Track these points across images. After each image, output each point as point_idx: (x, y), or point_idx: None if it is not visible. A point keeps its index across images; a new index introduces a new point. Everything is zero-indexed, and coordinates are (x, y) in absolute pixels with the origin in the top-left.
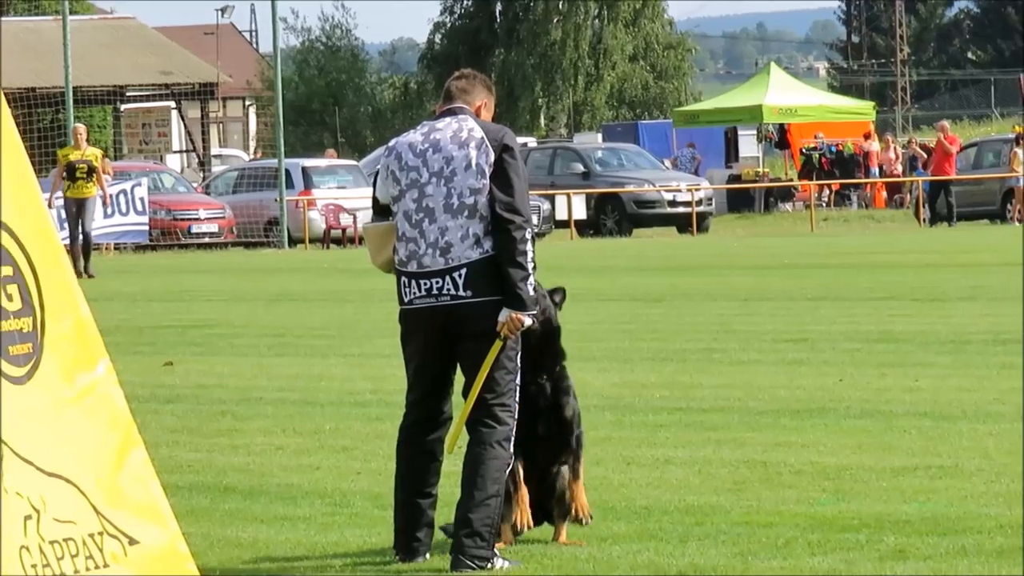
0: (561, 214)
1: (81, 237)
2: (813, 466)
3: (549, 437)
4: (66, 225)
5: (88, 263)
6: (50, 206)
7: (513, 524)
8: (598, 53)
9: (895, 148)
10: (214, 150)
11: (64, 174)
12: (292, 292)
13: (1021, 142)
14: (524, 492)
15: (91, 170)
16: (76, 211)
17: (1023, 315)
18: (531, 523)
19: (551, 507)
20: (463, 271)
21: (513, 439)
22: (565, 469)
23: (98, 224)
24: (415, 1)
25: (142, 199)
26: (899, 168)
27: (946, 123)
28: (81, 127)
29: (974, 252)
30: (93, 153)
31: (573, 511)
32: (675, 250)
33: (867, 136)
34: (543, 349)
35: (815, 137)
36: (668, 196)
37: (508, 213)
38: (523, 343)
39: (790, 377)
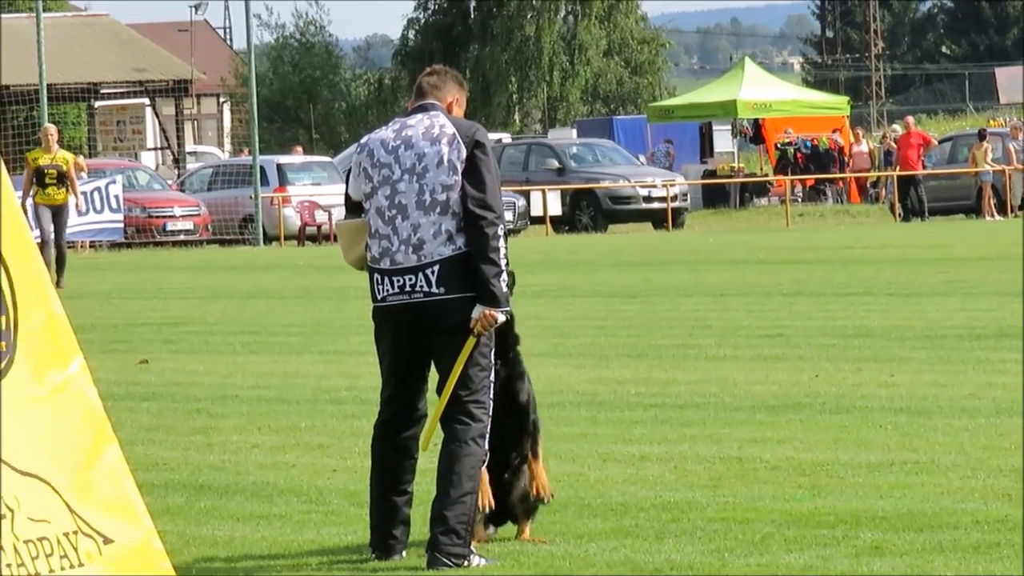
0: (536, 210)
1: (55, 250)
2: (789, 462)
3: (504, 422)
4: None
5: (61, 277)
6: (23, 211)
7: (480, 508)
8: (572, 48)
9: (867, 142)
10: (189, 147)
11: (33, 179)
12: (267, 289)
13: (987, 137)
14: (484, 473)
15: (61, 176)
16: (50, 219)
17: (999, 310)
18: (492, 502)
19: (513, 505)
20: (436, 268)
21: (488, 436)
22: (525, 467)
23: (72, 222)
24: None
25: (117, 197)
26: (866, 162)
27: (911, 118)
28: (52, 128)
29: (949, 247)
30: (63, 157)
31: (533, 490)
32: (650, 246)
33: (835, 130)
34: (497, 334)
35: (785, 132)
36: (643, 192)
37: (480, 209)
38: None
39: (766, 373)
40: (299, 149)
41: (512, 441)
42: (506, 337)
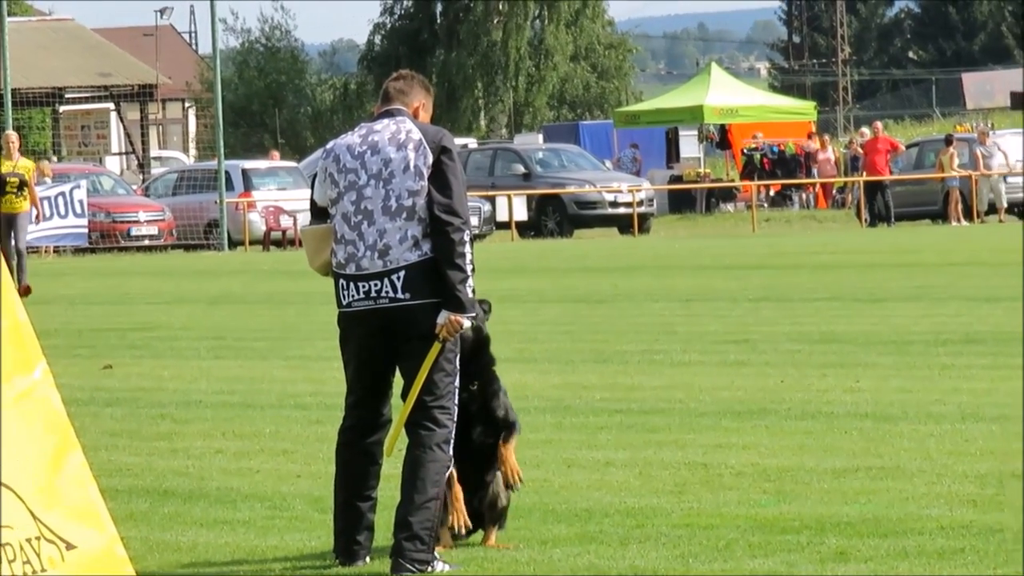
0: (502, 215)
1: (15, 256)
2: (754, 468)
3: (483, 444)
4: None
5: (23, 276)
6: None
7: (451, 526)
8: (539, 53)
9: (833, 148)
10: (153, 152)
11: None
12: (232, 294)
13: (953, 143)
14: (458, 490)
15: (22, 184)
16: (7, 226)
17: (966, 316)
18: (468, 523)
19: (483, 511)
20: (401, 273)
21: (452, 442)
22: (499, 475)
23: (36, 227)
24: (355, 2)
25: (81, 201)
26: (832, 168)
27: (879, 124)
28: (13, 135)
29: (916, 252)
30: (25, 165)
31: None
32: (616, 251)
33: (810, 135)
34: (473, 358)
35: (753, 137)
36: (609, 197)
37: (446, 215)
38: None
39: (731, 378)
40: (275, 154)
41: (488, 461)
42: (482, 360)
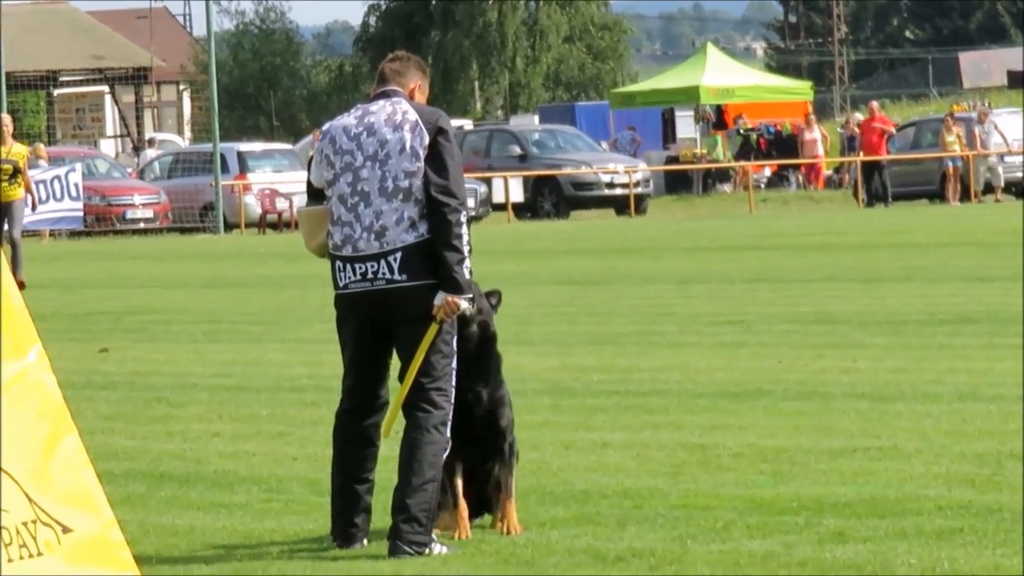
0: (498, 197)
1: (10, 247)
2: (751, 448)
3: (484, 440)
4: None
5: (18, 271)
6: None
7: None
8: (535, 34)
9: (819, 129)
10: (148, 135)
11: None
12: (228, 277)
13: (953, 121)
14: (463, 506)
15: (16, 171)
16: (2, 215)
17: (961, 296)
18: (469, 533)
19: (489, 495)
20: (398, 255)
21: (449, 424)
22: (499, 468)
23: (32, 212)
24: None
25: (76, 185)
26: (819, 150)
27: (875, 103)
28: (7, 119)
29: (912, 233)
30: (19, 152)
31: (504, 528)
32: (613, 232)
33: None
34: (480, 356)
35: (736, 121)
36: (606, 178)
37: (443, 196)
38: (460, 351)
39: (728, 359)
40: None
41: (487, 454)
42: (489, 358)
